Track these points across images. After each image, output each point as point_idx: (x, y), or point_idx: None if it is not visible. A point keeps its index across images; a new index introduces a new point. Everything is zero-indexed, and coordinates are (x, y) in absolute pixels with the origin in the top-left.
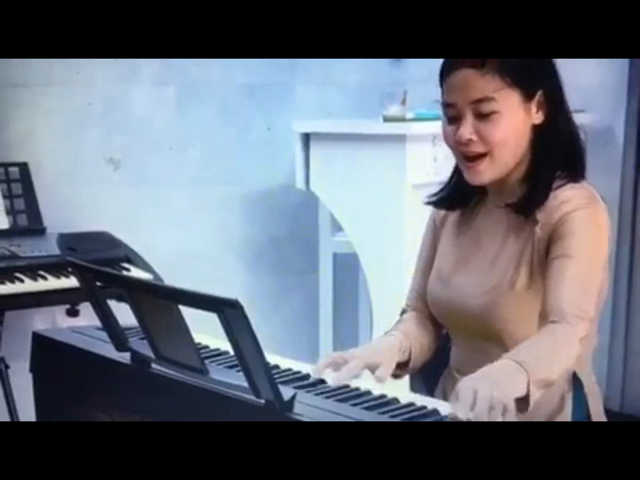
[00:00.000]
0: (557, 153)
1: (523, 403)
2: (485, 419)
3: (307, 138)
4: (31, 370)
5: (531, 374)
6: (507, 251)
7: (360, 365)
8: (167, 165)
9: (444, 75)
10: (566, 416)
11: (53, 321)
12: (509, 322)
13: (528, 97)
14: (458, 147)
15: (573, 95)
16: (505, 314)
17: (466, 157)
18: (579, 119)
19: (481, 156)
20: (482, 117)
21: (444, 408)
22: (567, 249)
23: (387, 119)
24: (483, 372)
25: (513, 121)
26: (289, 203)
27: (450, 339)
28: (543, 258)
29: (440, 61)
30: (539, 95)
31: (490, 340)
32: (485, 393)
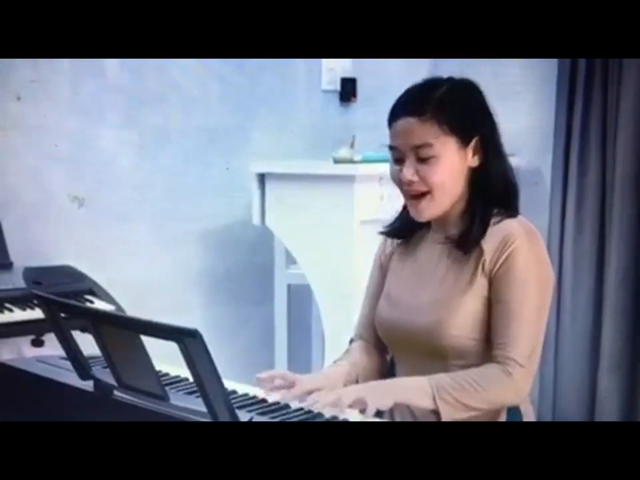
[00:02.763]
0: (492, 192)
1: (436, 415)
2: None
3: (262, 178)
4: None
5: (436, 391)
6: (451, 275)
7: (303, 389)
8: (129, 203)
9: (390, 121)
10: None
11: (19, 351)
12: (454, 339)
13: (464, 143)
14: (402, 185)
15: (505, 140)
16: (451, 331)
17: (410, 195)
18: (510, 161)
19: (423, 194)
20: (422, 160)
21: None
22: (514, 292)
23: (336, 161)
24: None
25: (449, 165)
26: (245, 237)
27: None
28: (489, 281)
29: (387, 107)
30: (474, 141)
31: (434, 357)
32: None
